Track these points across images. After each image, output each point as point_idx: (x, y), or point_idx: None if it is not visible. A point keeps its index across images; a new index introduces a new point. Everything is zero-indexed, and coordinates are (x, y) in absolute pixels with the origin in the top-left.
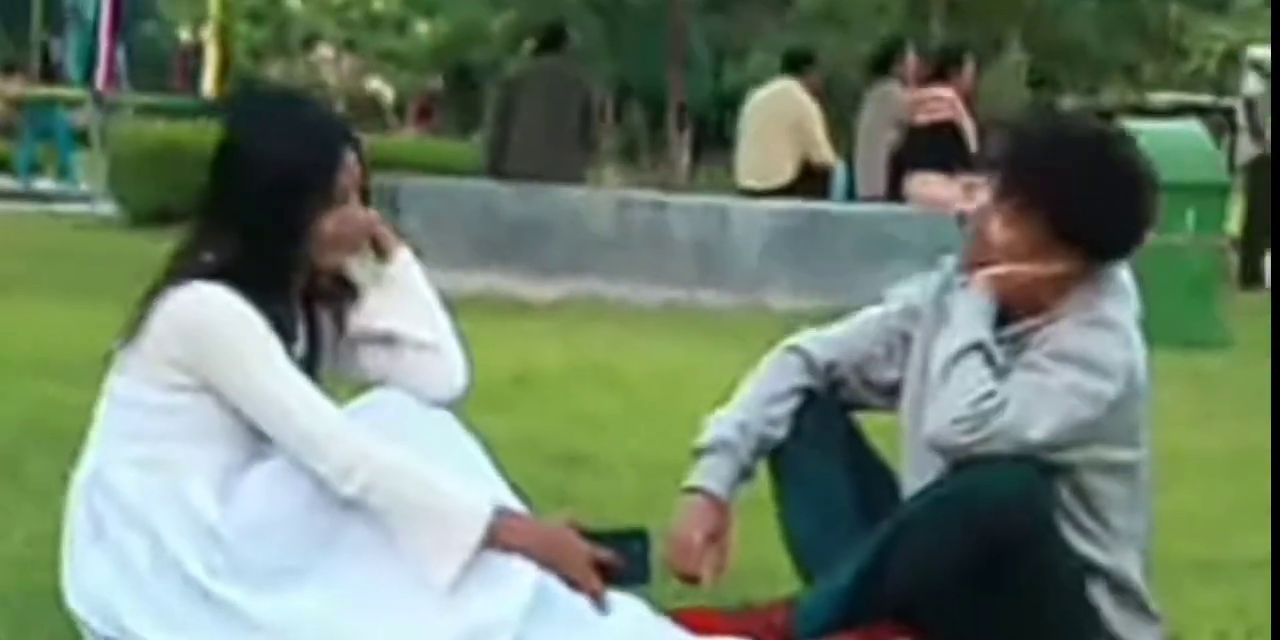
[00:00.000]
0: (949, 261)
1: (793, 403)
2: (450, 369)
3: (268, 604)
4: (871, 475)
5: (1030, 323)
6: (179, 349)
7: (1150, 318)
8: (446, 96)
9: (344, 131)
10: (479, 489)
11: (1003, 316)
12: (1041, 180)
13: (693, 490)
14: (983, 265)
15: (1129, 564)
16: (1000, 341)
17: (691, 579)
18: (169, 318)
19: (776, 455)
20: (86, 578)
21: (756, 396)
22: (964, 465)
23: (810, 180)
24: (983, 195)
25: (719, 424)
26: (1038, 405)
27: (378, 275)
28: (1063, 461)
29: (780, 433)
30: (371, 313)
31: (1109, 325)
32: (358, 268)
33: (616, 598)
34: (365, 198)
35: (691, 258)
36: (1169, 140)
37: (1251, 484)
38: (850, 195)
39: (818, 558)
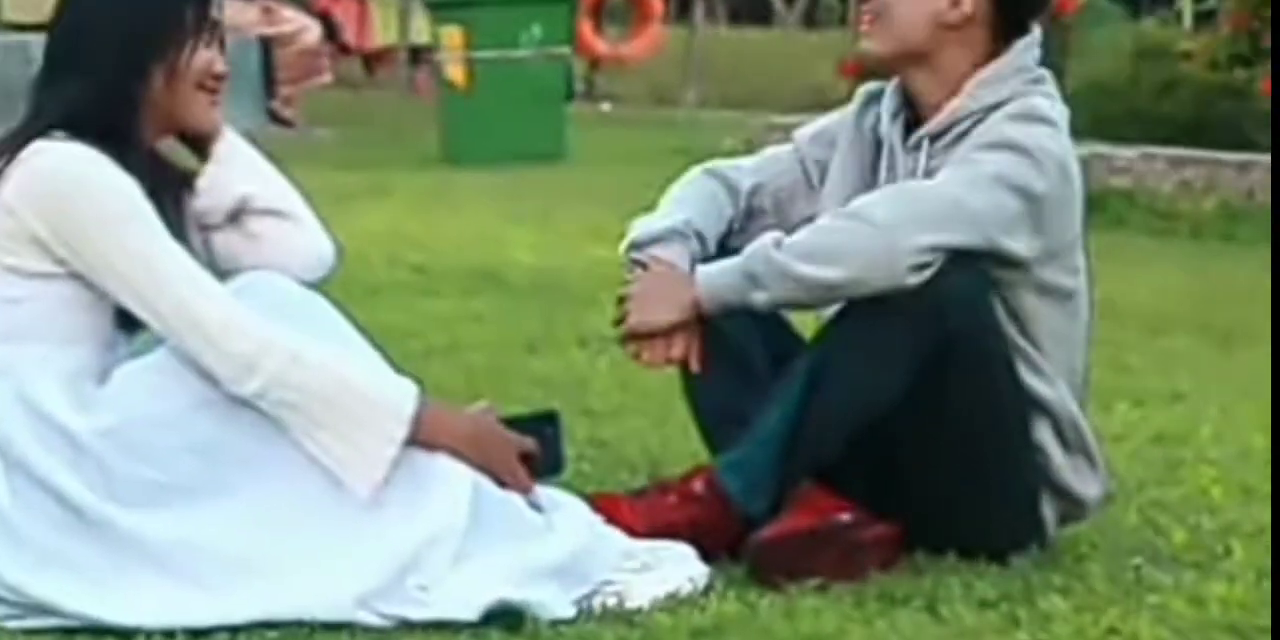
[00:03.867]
0: (862, 88)
1: (719, 227)
2: (316, 239)
3: (157, 524)
4: (787, 339)
5: (950, 116)
6: (36, 221)
7: (495, 131)
8: None
9: None
10: (393, 376)
11: (915, 119)
12: None
13: (641, 264)
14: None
15: (1071, 402)
16: (919, 143)
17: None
18: (22, 185)
19: None
20: None
21: (678, 207)
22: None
23: None
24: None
25: (649, 223)
26: (966, 200)
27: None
28: (999, 278)
29: (710, 251)
30: (216, 188)
31: (1041, 118)
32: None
33: (557, 498)
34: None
35: None
36: None
37: None
38: None
39: (734, 428)
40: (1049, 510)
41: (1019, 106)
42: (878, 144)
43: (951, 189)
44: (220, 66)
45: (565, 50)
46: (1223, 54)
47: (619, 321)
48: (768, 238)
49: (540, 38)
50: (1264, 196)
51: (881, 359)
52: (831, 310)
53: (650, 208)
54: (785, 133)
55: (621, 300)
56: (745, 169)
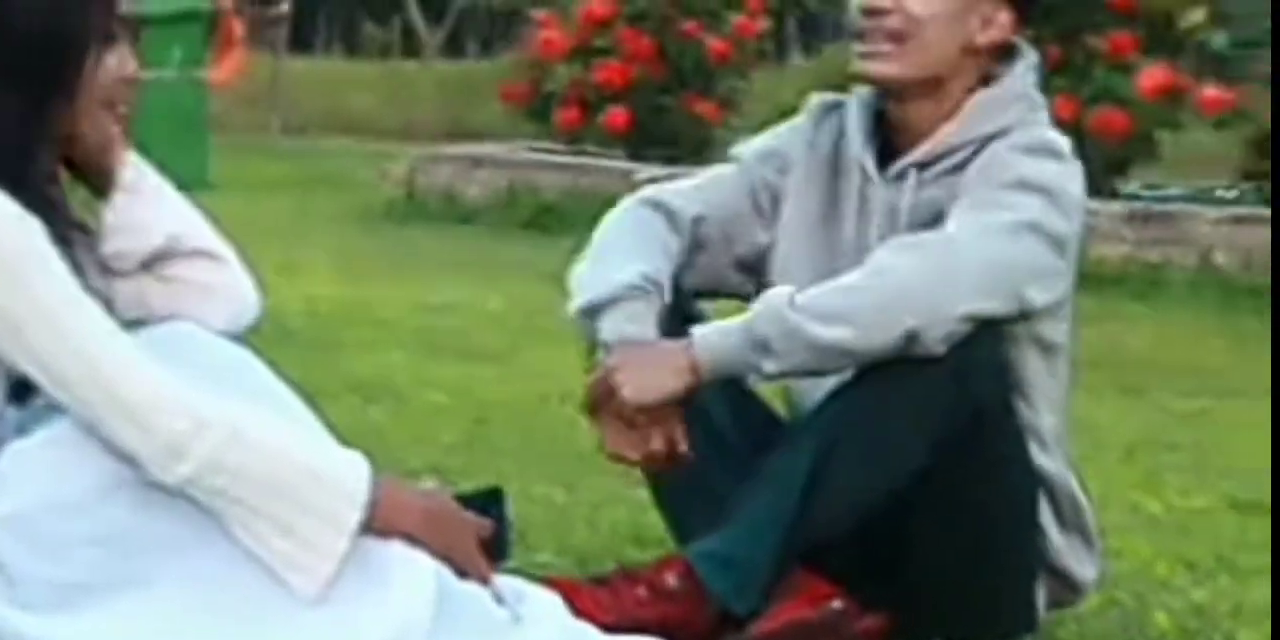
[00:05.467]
0: (814, 101)
1: (671, 267)
2: (243, 281)
3: (68, 631)
4: (752, 405)
5: (944, 144)
6: None
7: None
8: None
9: None
10: (340, 450)
11: (892, 144)
12: None
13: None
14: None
15: (1070, 475)
16: (904, 173)
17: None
18: None
19: None
20: None
21: (627, 256)
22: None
23: None
24: None
25: (603, 279)
26: (1005, 260)
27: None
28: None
29: (668, 299)
30: (135, 227)
31: (1058, 153)
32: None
33: (520, 588)
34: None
35: None
36: None
37: None
38: None
39: (703, 505)
40: (1042, 594)
41: (1032, 139)
42: (837, 165)
43: (987, 245)
44: (131, 69)
45: (204, 74)
46: None
47: (592, 407)
48: (779, 296)
49: (181, 59)
50: None
51: (900, 436)
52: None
53: (326, 242)
54: (448, 161)
55: (596, 383)
56: (687, 195)
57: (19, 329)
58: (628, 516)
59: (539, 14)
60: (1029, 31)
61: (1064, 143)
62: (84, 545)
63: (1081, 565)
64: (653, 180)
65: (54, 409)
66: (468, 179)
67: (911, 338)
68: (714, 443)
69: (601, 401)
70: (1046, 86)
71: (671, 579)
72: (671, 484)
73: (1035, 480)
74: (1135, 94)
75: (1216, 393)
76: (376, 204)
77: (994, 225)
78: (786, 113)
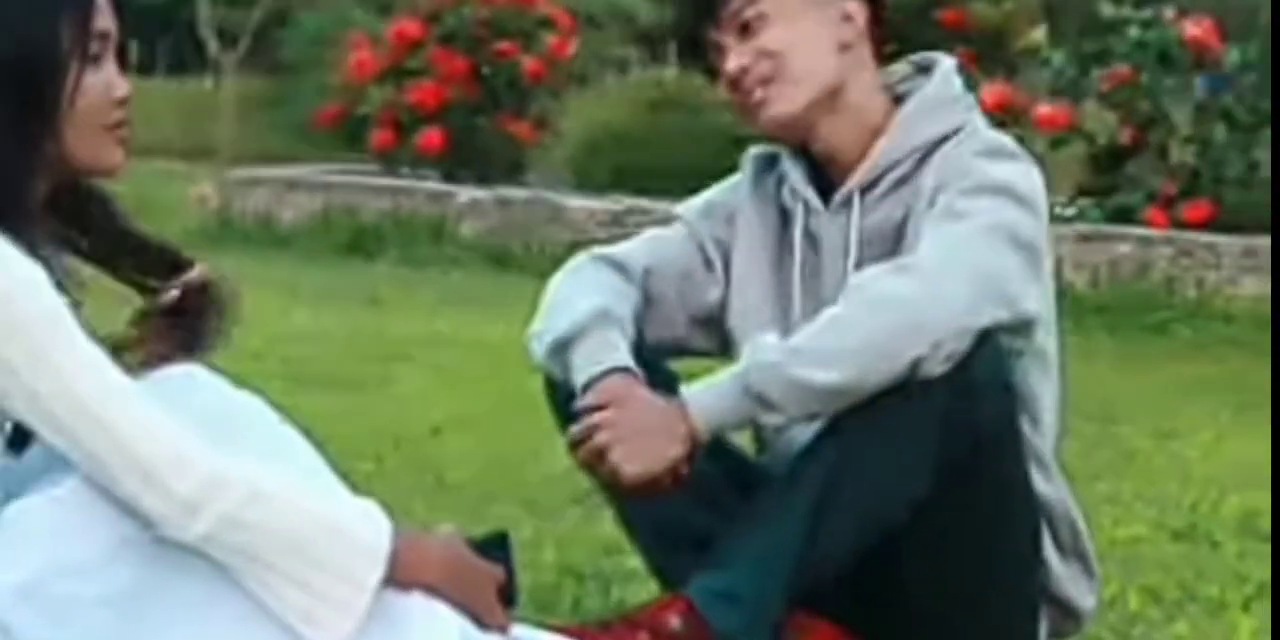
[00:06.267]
0: (750, 153)
1: (629, 310)
2: None
3: None
4: (725, 445)
5: (885, 159)
6: None
7: None
8: None
9: None
10: (355, 501)
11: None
12: None
13: (600, 377)
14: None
15: (1070, 498)
16: (848, 199)
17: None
18: None
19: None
20: None
21: (586, 297)
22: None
23: None
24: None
25: (565, 317)
26: (984, 265)
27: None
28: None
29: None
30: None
31: (1013, 154)
32: None
33: (538, 638)
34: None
35: None
36: None
37: None
38: None
39: (683, 542)
40: (1043, 625)
41: (986, 142)
42: (782, 209)
43: (968, 255)
44: (122, 90)
45: None
46: None
47: (589, 464)
48: (767, 347)
49: None
50: None
51: (905, 464)
52: None
53: None
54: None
55: (580, 441)
56: (634, 250)
57: (35, 394)
58: None
59: (353, 34)
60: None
61: (1014, 143)
62: (94, 607)
63: (1081, 594)
64: (474, 202)
65: (54, 459)
66: (282, 202)
67: (915, 365)
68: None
69: (593, 470)
70: (974, 87)
71: (674, 620)
72: (644, 519)
73: (1037, 508)
74: None
75: (1085, 416)
76: (189, 228)
77: (969, 234)
78: (601, 132)
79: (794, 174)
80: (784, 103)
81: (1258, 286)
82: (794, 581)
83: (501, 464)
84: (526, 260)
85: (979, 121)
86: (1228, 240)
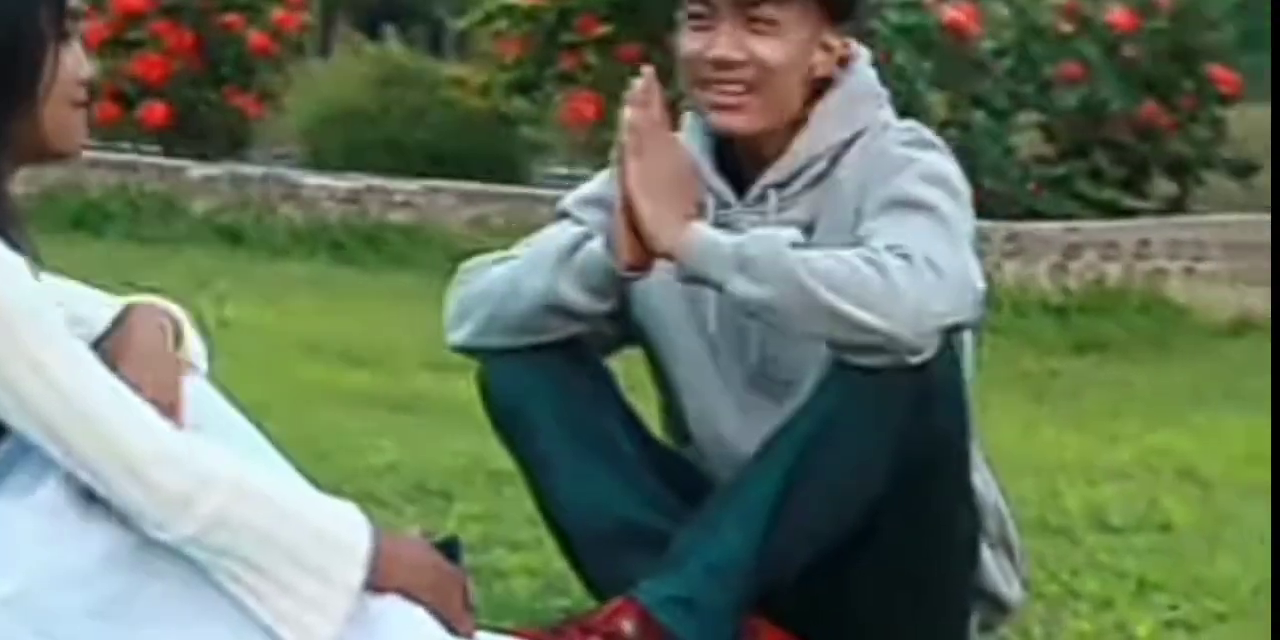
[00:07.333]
0: None
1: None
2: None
3: None
4: (651, 440)
5: (806, 157)
6: None
7: None
8: None
9: None
10: (334, 503)
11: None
12: None
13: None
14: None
15: (994, 486)
16: (764, 195)
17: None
18: None
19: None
20: None
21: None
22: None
23: None
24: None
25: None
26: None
27: None
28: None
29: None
30: None
31: (934, 144)
32: None
33: None
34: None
35: None
36: None
37: None
38: None
39: (620, 536)
40: (973, 620)
41: (909, 133)
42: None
43: (931, 253)
44: (87, 71)
45: None
46: (501, 81)
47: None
48: (779, 235)
49: None
50: None
51: (864, 465)
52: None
53: None
54: None
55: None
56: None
57: (15, 387)
58: None
59: None
60: (610, 30)
61: (929, 133)
62: (83, 618)
63: (1009, 585)
64: (206, 178)
65: (28, 455)
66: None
67: (892, 339)
68: (611, 464)
69: None
70: (884, 80)
71: (627, 625)
72: (582, 529)
73: (976, 510)
74: None
75: None
76: None
77: (935, 230)
78: (331, 108)
79: (703, 164)
80: (750, 120)
81: (1017, 272)
82: (749, 585)
83: None
84: (259, 238)
85: (890, 115)
86: (991, 225)
